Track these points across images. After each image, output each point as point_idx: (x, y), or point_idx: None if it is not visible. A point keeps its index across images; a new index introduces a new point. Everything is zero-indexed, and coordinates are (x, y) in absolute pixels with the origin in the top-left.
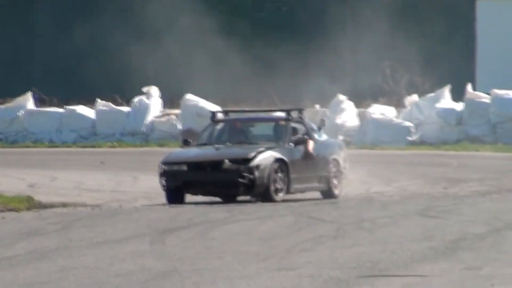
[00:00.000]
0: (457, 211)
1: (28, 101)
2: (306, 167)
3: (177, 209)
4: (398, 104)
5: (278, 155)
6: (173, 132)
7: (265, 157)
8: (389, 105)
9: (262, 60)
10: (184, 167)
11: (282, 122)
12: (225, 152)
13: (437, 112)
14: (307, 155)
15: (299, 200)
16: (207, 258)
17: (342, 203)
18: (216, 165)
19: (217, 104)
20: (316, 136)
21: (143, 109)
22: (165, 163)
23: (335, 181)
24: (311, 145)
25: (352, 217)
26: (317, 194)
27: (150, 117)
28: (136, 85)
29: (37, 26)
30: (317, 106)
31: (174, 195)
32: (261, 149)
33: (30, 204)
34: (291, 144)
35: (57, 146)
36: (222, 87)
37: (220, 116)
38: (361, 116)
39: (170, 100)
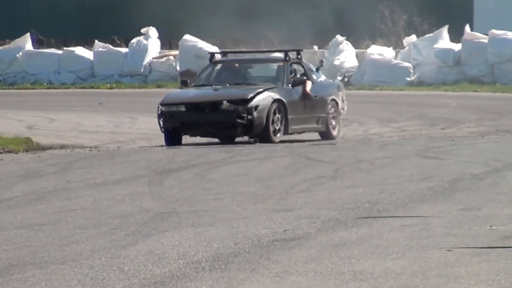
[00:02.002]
0: (455, 152)
1: (27, 43)
2: (304, 108)
3: (175, 150)
4: (397, 45)
5: (276, 95)
6: (171, 73)
7: (264, 98)
8: (388, 45)
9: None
10: (182, 108)
11: (281, 63)
12: (224, 92)
13: (435, 52)
14: (305, 96)
15: (297, 141)
16: (205, 199)
17: (341, 144)
18: (214, 105)
19: (216, 45)
20: (314, 77)
21: (142, 50)
22: (163, 104)
23: (333, 122)
24: (309, 85)
25: (350, 158)
26: (315, 135)
27: (148, 58)
28: (134, 26)
29: None
30: (316, 47)
31: (172, 136)
32: (260, 89)
33: (29, 145)
34: (289, 85)
35: (55, 88)
36: (221, 27)
37: (218, 57)
38: (360, 57)
39: (169, 41)
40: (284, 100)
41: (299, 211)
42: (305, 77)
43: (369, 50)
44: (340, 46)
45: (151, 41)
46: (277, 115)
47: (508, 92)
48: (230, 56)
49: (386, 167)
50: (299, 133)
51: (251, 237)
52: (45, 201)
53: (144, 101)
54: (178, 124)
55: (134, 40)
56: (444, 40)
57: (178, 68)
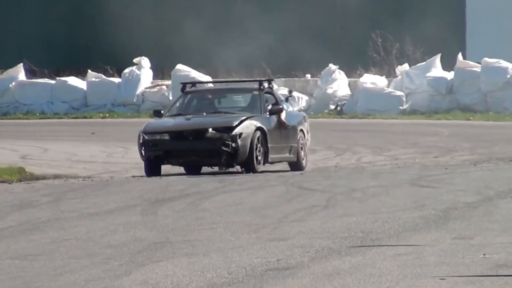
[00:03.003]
0: (448, 180)
1: (19, 73)
2: (280, 137)
3: (168, 180)
4: (389, 74)
5: (258, 123)
6: (164, 103)
7: (247, 126)
8: (380, 74)
9: (252, 30)
10: (166, 136)
11: (256, 92)
12: (207, 120)
13: (428, 81)
14: (280, 125)
15: (271, 171)
16: (199, 229)
17: (334, 173)
18: (198, 133)
19: (209, 74)
20: (285, 106)
21: (134, 80)
22: (146, 132)
23: (302, 153)
24: (283, 114)
25: (343, 187)
26: (286, 166)
27: (141, 88)
28: (126, 56)
29: None
30: (308, 76)
31: (153, 166)
32: (243, 117)
33: (22, 175)
34: (266, 113)
35: (48, 118)
36: (213, 57)
37: (190, 87)
38: (352, 86)
39: (161, 70)
40: (265, 128)
41: (293, 240)
42: (281, 106)
43: (361, 79)
44: (333, 75)
45: (143, 71)
46: (259, 144)
47: (501, 120)
48: (201, 86)
49: (379, 196)
50: (275, 162)
51: (245, 267)
52: (39, 231)
53: (137, 130)
54: (161, 152)
55: (126, 70)
56: (436, 69)
57: (170, 97)
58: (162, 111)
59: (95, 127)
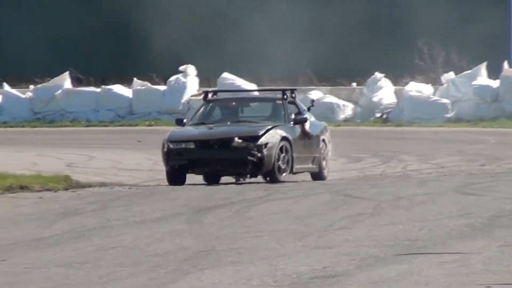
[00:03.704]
0: (494, 188)
1: (65, 81)
2: (304, 147)
3: (213, 188)
4: (435, 82)
5: (283, 133)
6: None
7: (272, 135)
8: (426, 82)
9: (297, 38)
10: (191, 145)
11: (279, 102)
12: (233, 129)
13: (474, 89)
14: (305, 135)
15: (293, 181)
16: (244, 237)
17: (379, 181)
18: (224, 142)
19: (254, 82)
20: (307, 116)
21: (180, 88)
22: (170, 141)
23: (324, 163)
24: (307, 124)
25: (389, 194)
26: (307, 176)
27: (186, 96)
28: (172, 64)
29: (70, 5)
30: (354, 84)
31: (177, 175)
32: (268, 126)
33: (68, 183)
34: (291, 123)
35: (94, 126)
36: (259, 65)
37: (212, 95)
38: (398, 94)
39: (207, 78)
40: (290, 138)
41: (339, 248)
42: (305, 116)
43: (407, 87)
44: (379, 83)
45: (189, 78)
46: (284, 153)
47: None
48: (223, 95)
49: (425, 203)
50: (299, 173)
51: (291, 275)
52: (85, 239)
53: None
54: (185, 161)
55: (172, 78)
56: (482, 77)
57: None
58: (184, 120)
59: (140, 135)
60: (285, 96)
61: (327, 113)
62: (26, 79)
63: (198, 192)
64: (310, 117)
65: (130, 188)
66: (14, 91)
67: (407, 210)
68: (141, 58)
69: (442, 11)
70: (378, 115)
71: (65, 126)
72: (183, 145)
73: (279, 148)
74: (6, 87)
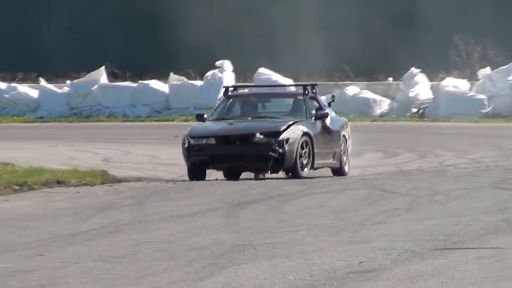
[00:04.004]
0: None
1: (102, 76)
2: (325, 142)
3: (250, 183)
4: (471, 77)
5: (305, 129)
6: None
7: (294, 131)
8: (462, 78)
9: (334, 33)
10: (212, 141)
11: (300, 97)
12: (254, 125)
13: (510, 84)
14: (326, 130)
15: (314, 177)
16: (281, 231)
17: (416, 176)
18: (246, 138)
19: (290, 77)
20: (328, 111)
21: (216, 83)
22: (192, 136)
23: (344, 158)
24: (328, 120)
25: (425, 189)
26: (328, 172)
27: (223, 91)
28: (209, 59)
29: (108, 2)
30: (391, 79)
31: (198, 170)
32: (290, 122)
33: (105, 178)
34: (312, 118)
35: (130, 121)
36: (295, 60)
37: (232, 91)
38: (434, 89)
39: (243, 73)
40: (311, 134)
41: (375, 243)
42: (326, 111)
43: (443, 82)
44: (415, 78)
45: (226, 74)
46: (305, 149)
47: None
48: (244, 90)
49: (462, 198)
50: (320, 168)
51: (327, 269)
52: (122, 233)
53: None
54: (206, 157)
55: (209, 73)
56: None
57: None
58: (205, 115)
59: (177, 130)
60: (306, 92)
61: (364, 108)
62: (62, 74)
63: (234, 186)
64: (330, 113)
65: (167, 183)
66: (50, 86)
67: (443, 205)
68: (178, 53)
69: (478, 5)
70: (414, 110)
71: (101, 121)
72: (204, 141)
73: (300, 143)
74: (43, 82)
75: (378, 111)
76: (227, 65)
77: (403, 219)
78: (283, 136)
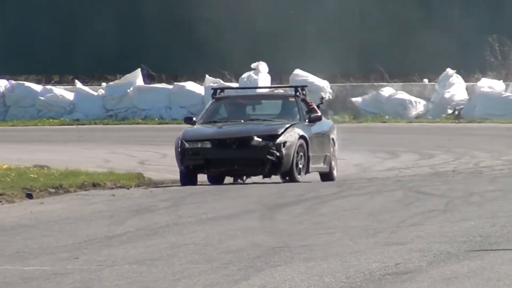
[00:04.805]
0: None
1: (137, 78)
2: (317, 146)
3: (285, 185)
4: (506, 78)
5: (301, 132)
6: None
7: (290, 134)
8: (498, 79)
9: (369, 34)
10: (207, 144)
11: (292, 99)
12: (251, 128)
13: None
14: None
15: (306, 181)
16: (317, 233)
17: (451, 177)
18: (243, 141)
19: (326, 79)
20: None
21: (252, 85)
22: (187, 140)
23: (333, 163)
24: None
25: (461, 191)
26: (316, 177)
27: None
28: (245, 61)
29: (143, 4)
30: (426, 80)
31: (191, 175)
32: (287, 125)
33: (140, 181)
34: (306, 121)
35: (166, 123)
36: (330, 61)
37: (219, 93)
38: (470, 90)
39: (279, 75)
40: (307, 137)
41: (411, 244)
42: (320, 114)
43: (479, 83)
44: (451, 79)
45: (261, 76)
46: (300, 153)
47: None
48: (230, 92)
49: (497, 200)
50: (314, 172)
51: (363, 271)
52: (157, 236)
53: None
54: (201, 161)
55: (244, 75)
56: None
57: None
58: (194, 118)
59: None
60: (297, 93)
61: (399, 109)
62: (98, 76)
63: (270, 189)
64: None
65: (202, 185)
66: (86, 88)
67: (479, 207)
68: (213, 55)
69: None
70: (450, 111)
71: (137, 124)
72: (199, 144)
73: (297, 147)
74: (79, 84)
75: (413, 112)
76: (263, 66)
77: (439, 220)
78: (281, 139)
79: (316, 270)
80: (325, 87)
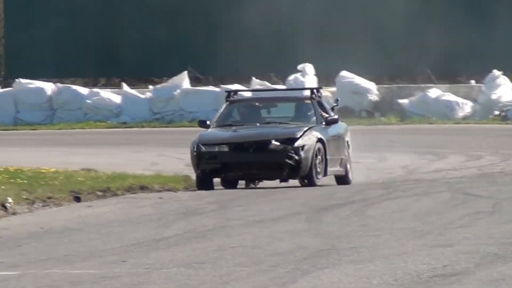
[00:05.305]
0: None
1: (184, 81)
2: (334, 148)
3: (332, 187)
4: None
5: (318, 135)
6: None
7: (309, 137)
8: None
9: (416, 36)
10: (225, 148)
11: (308, 101)
12: (269, 131)
13: None
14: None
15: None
16: (364, 235)
17: (499, 178)
18: (261, 145)
19: (372, 81)
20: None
21: (298, 87)
22: (204, 143)
23: (348, 166)
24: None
25: (508, 192)
26: (332, 181)
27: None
28: (291, 63)
29: (192, 6)
30: (473, 82)
31: (207, 179)
32: (305, 128)
33: (188, 183)
34: (323, 123)
35: None
36: (377, 63)
37: (232, 95)
38: None
39: (326, 77)
40: (325, 140)
41: (458, 246)
42: (336, 116)
43: None
44: (497, 81)
45: (307, 77)
46: (319, 156)
47: None
48: (247, 95)
49: None
50: (331, 175)
51: (411, 273)
52: (205, 239)
53: None
54: (218, 165)
55: (291, 77)
56: None
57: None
58: (208, 121)
59: None
60: (313, 95)
61: (446, 111)
62: (144, 79)
63: (317, 191)
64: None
65: (249, 188)
66: (133, 91)
67: None
68: (260, 57)
69: None
70: (496, 113)
71: (184, 126)
72: (216, 148)
73: (315, 150)
74: (125, 87)
75: (460, 113)
76: (309, 68)
77: (486, 222)
78: (299, 142)
79: (364, 272)
80: (371, 88)
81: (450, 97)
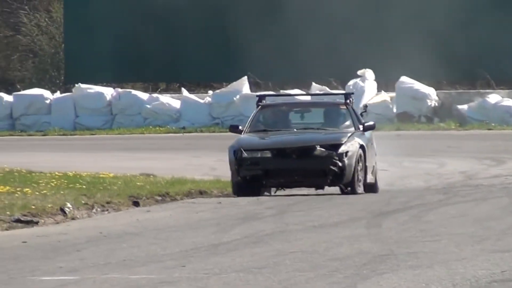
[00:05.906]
0: None
1: (244, 86)
2: (370, 156)
3: (390, 193)
4: None
5: (360, 141)
6: (387, 115)
7: (352, 143)
8: None
9: (474, 41)
10: (267, 154)
11: (343, 107)
12: (312, 137)
13: None
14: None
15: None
16: (423, 241)
17: None
18: (305, 151)
19: (432, 86)
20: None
21: (359, 92)
22: (246, 149)
23: (377, 173)
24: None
25: None
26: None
27: (365, 100)
28: (351, 68)
29: (248, 10)
30: None
31: (247, 186)
32: (349, 134)
33: None
34: (359, 129)
35: None
36: (437, 68)
37: (268, 100)
38: None
39: (385, 83)
40: (365, 146)
41: None
42: (373, 123)
43: None
44: None
45: (367, 83)
46: (360, 163)
47: None
48: (272, 99)
49: None
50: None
51: (469, 279)
52: (263, 243)
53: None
54: (260, 172)
55: (351, 82)
56: None
57: (394, 110)
58: (240, 126)
59: None
60: (348, 100)
61: (505, 116)
62: (204, 84)
63: (376, 196)
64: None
65: (307, 193)
66: (192, 96)
67: None
68: (319, 62)
69: None
70: None
71: None
72: (259, 154)
73: (358, 157)
74: (185, 92)
75: None
76: (369, 74)
77: None
78: (343, 148)
79: (422, 278)
80: (431, 94)
81: (509, 102)
